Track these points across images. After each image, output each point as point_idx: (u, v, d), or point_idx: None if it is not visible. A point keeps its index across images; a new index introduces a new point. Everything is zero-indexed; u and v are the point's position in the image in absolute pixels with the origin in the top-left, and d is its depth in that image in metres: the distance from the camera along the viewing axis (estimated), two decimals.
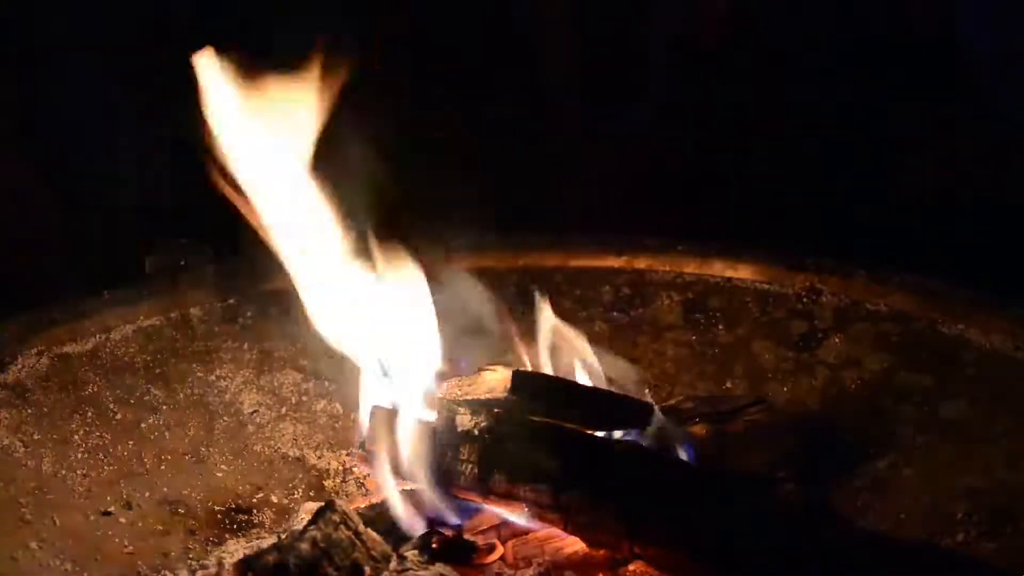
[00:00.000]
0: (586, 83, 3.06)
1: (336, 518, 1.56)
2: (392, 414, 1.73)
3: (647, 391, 1.98)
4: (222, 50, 1.72)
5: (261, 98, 1.76)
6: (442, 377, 1.79)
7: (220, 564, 1.67)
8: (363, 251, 1.84)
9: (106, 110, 2.66)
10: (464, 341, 1.98)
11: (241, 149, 1.75)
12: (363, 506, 1.72)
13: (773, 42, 2.90)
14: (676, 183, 2.86)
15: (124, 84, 2.66)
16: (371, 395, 1.80)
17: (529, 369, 1.86)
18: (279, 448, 2.01)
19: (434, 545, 1.60)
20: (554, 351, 1.91)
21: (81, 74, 2.66)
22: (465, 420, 1.68)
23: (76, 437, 1.89)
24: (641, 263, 2.34)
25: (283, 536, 1.61)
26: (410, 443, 1.69)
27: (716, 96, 2.97)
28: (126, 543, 1.72)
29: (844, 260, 2.23)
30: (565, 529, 1.62)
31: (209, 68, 1.72)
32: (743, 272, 2.26)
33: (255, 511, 1.86)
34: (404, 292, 1.85)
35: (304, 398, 2.12)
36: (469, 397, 1.71)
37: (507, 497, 1.62)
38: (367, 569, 1.54)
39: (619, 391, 1.88)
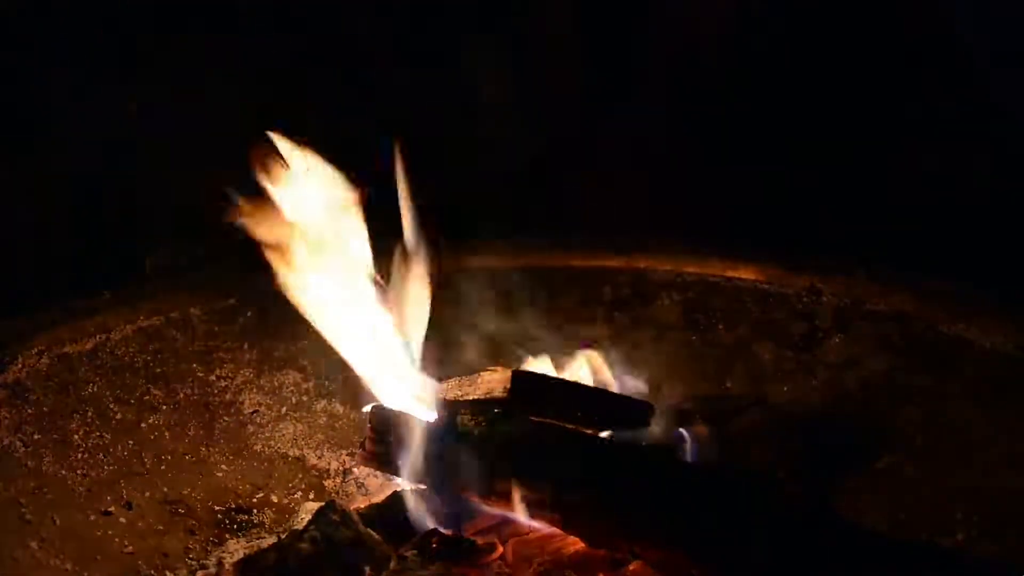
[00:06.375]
0: (587, 83, 3.06)
1: (336, 518, 1.56)
2: (393, 414, 1.73)
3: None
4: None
5: None
6: (442, 377, 1.79)
7: (220, 564, 1.67)
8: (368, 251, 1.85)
9: (104, 108, 2.66)
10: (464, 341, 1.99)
11: None
12: (363, 506, 1.72)
13: (773, 42, 2.89)
14: (676, 183, 2.86)
15: (122, 81, 2.66)
16: (372, 395, 1.81)
17: (529, 369, 1.87)
18: (279, 448, 2.01)
19: (434, 545, 1.60)
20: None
21: (78, 71, 2.66)
22: (465, 420, 1.68)
23: (76, 437, 1.89)
24: (641, 263, 2.34)
25: (283, 536, 1.61)
26: (410, 443, 1.69)
27: (716, 96, 2.97)
28: (126, 543, 1.72)
29: (844, 260, 2.23)
30: (565, 529, 1.62)
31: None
32: (743, 272, 2.26)
33: (255, 511, 1.86)
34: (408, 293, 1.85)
35: (304, 398, 2.13)
36: (469, 397, 1.71)
37: (507, 497, 1.62)
38: (367, 569, 1.54)
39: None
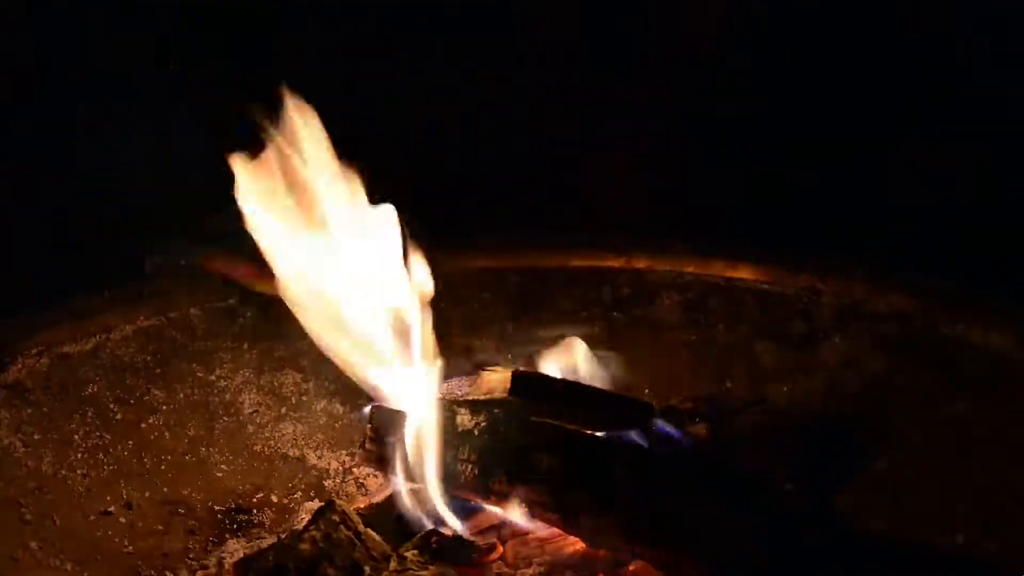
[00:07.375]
0: (587, 81, 3.06)
1: (336, 518, 1.56)
2: (392, 414, 1.73)
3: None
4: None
5: None
6: (442, 377, 1.79)
7: (220, 564, 1.67)
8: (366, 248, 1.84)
9: (104, 107, 2.66)
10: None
11: None
12: (363, 506, 1.72)
13: (773, 42, 2.90)
14: (676, 183, 2.86)
15: (122, 81, 2.66)
16: (372, 395, 1.80)
17: (529, 369, 1.86)
18: (279, 448, 2.01)
19: (434, 545, 1.60)
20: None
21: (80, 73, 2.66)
22: (465, 420, 1.68)
23: (76, 437, 1.89)
24: (641, 263, 2.34)
25: (283, 536, 1.61)
26: (410, 443, 1.69)
27: (716, 96, 2.97)
28: (126, 543, 1.72)
29: (844, 260, 2.23)
30: (565, 529, 1.62)
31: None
32: (743, 272, 2.26)
33: (255, 511, 1.86)
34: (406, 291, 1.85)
35: (304, 398, 2.12)
36: (469, 397, 1.71)
37: (507, 497, 1.62)
38: (367, 569, 1.54)
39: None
